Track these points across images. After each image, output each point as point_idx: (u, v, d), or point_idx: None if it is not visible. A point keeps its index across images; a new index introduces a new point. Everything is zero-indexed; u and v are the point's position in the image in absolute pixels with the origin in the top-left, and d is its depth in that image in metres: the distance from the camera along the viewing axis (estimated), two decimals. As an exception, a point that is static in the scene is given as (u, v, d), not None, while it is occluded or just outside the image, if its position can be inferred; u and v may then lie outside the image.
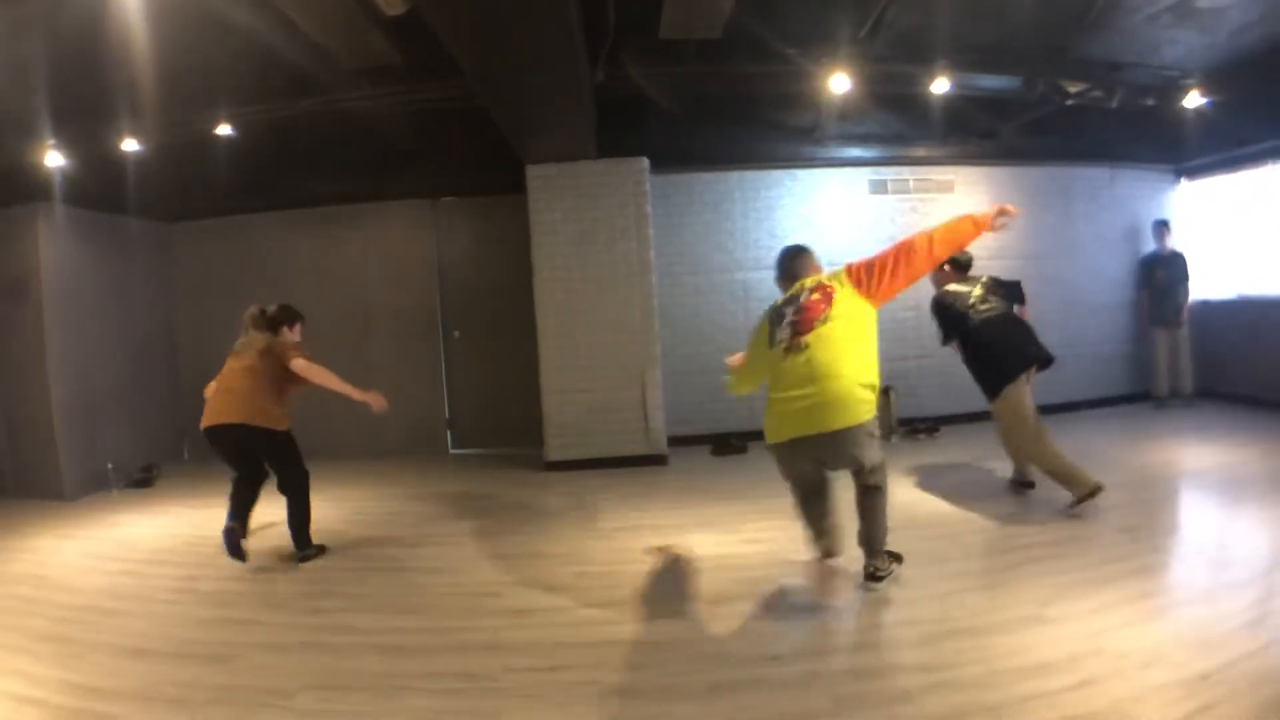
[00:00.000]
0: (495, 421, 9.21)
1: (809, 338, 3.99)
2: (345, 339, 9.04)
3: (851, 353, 3.93)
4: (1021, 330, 5.77)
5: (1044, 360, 5.71)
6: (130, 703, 3.47)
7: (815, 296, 4.11)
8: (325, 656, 3.91)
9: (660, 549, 5.26)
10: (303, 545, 5.47)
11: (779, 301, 4.33)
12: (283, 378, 5.38)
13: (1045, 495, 5.81)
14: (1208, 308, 9.35)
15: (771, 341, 4.17)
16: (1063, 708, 2.99)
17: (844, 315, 4.01)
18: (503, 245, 8.85)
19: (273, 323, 5.61)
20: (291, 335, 5.64)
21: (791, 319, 4.11)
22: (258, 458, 5.39)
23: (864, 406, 3.89)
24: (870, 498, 4.19)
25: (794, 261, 4.46)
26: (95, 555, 5.80)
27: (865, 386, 3.92)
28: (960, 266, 6.03)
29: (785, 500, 4.45)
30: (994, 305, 5.76)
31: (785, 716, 3.12)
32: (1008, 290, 5.94)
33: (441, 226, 9.23)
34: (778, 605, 4.24)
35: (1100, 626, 3.65)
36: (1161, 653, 3.35)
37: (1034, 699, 3.07)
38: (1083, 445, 7.45)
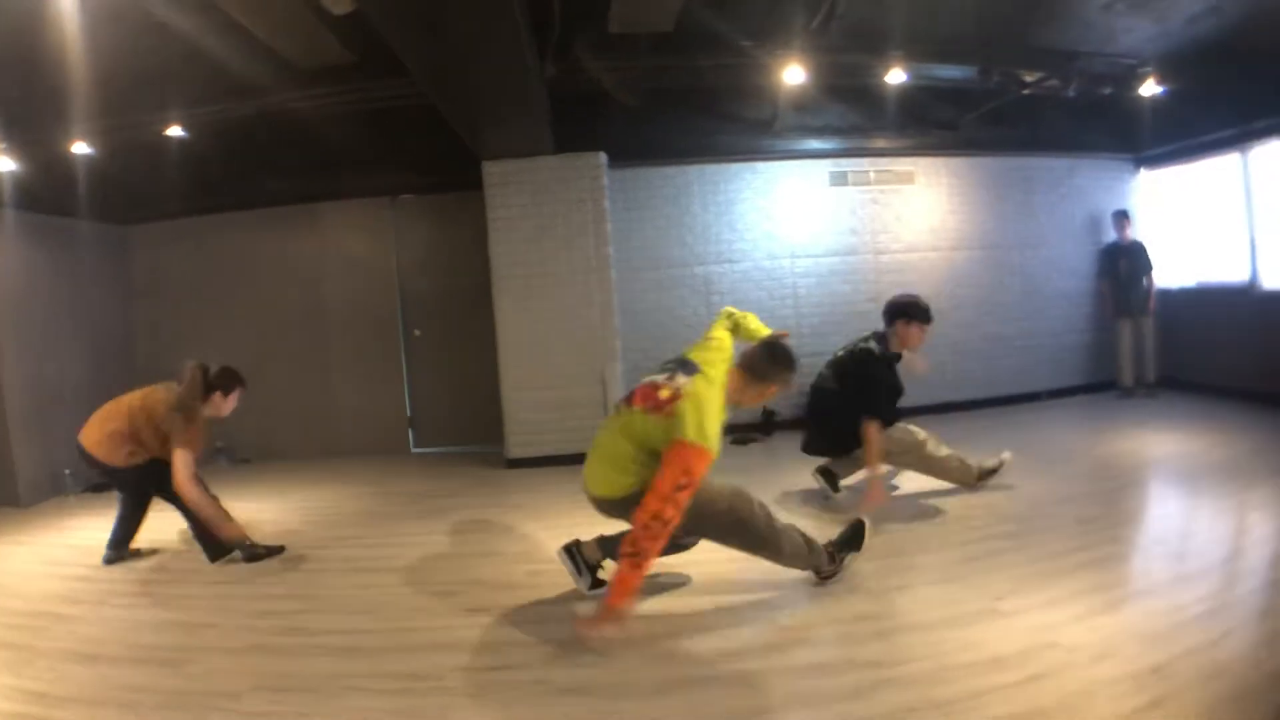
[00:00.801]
0: (456, 419, 9.15)
1: (625, 411, 3.98)
2: (305, 339, 8.99)
3: (622, 452, 3.85)
4: (818, 415, 5.89)
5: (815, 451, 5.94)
6: (81, 708, 3.42)
7: (664, 392, 3.82)
8: (276, 658, 3.87)
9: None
10: (215, 554, 5.34)
11: (673, 358, 4.13)
12: (155, 440, 5.26)
13: (1000, 487, 5.83)
14: (1168, 297, 9.41)
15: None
16: (1012, 703, 2.98)
17: (640, 427, 3.83)
18: (462, 242, 8.78)
19: (209, 385, 5.31)
20: (225, 403, 5.39)
21: (643, 383, 4.02)
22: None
23: (622, 482, 3.84)
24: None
25: (755, 350, 4.09)
26: (49, 560, 5.71)
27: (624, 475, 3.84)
28: (892, 318, 5.78)
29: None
30: (824, 375, 5.82)
31: (736, 713, 3.10)
32: (862, 367, 5.59)
33: (400, 225, 9.13)
34: (730, 602, 4.22)
35: (1054, 620, 3.65)
36: (1114, 646, 3.35)
37: (984, 694, 3.06)
38: (1044, 436, 7.52)
